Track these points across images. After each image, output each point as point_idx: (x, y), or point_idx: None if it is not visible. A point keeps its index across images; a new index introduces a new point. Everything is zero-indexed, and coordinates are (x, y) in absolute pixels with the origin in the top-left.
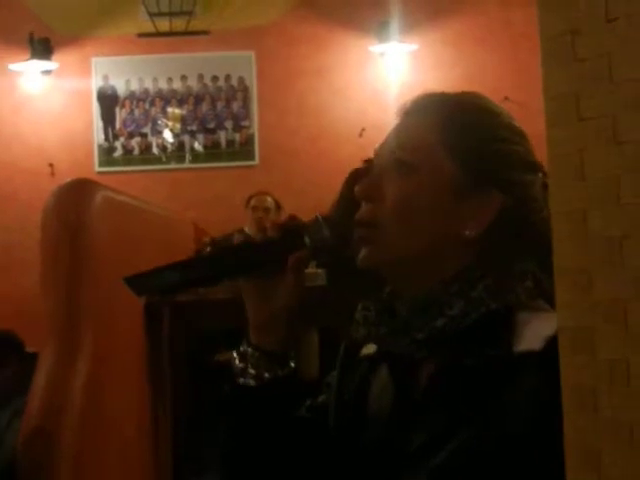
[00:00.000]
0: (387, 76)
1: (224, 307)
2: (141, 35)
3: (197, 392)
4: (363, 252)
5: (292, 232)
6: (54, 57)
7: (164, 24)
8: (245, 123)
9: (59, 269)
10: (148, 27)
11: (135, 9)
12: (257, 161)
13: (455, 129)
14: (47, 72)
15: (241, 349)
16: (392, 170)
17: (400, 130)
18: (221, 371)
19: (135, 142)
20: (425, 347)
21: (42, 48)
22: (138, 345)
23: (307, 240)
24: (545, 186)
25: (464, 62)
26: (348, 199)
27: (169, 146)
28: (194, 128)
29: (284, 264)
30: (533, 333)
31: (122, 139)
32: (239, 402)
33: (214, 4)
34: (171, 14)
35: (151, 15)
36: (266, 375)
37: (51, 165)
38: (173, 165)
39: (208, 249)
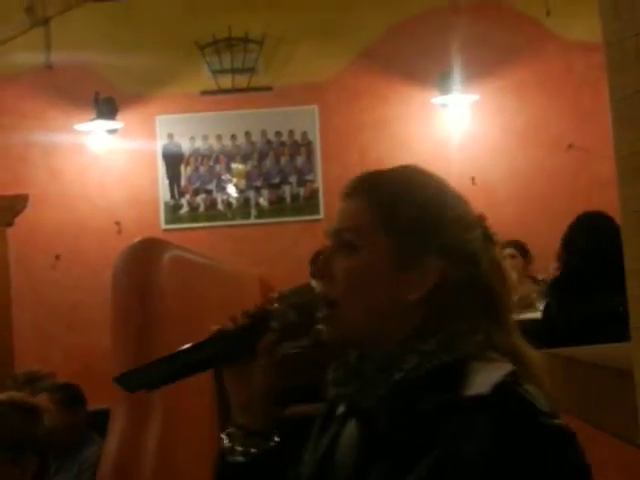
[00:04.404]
0: (449, 127)
1: (294, 361)
2: (204, 93)
3: None
4: (324, 331)
5: (259, 318)
6: (119, 116)
7: (227, 81)
8: (309, 177)
9: (130, 328)
10: (211, 85)
11: (198, 67)
12: (322, 215)
13: (386, 208)
14: (112, 131)
15: (228, 430)
16: (338, 250)
17: (342, 213)
18: (291, 425)
19: (200, 199)
20: (386, 400)
21: (107, 108)
22: (208, 402)
23: (274, 324)
24: (487, 237)
25: (526, 110)
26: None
27: (234, 202)
28: (258, 184)
29: (256, 349)
30: (482, 380)
31: (187, 196)
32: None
33: (276, 60)
34: (233, 71)
35: (214, 73)
36: (253, 450)
37: (118, 223)
38: (238, 221)
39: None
